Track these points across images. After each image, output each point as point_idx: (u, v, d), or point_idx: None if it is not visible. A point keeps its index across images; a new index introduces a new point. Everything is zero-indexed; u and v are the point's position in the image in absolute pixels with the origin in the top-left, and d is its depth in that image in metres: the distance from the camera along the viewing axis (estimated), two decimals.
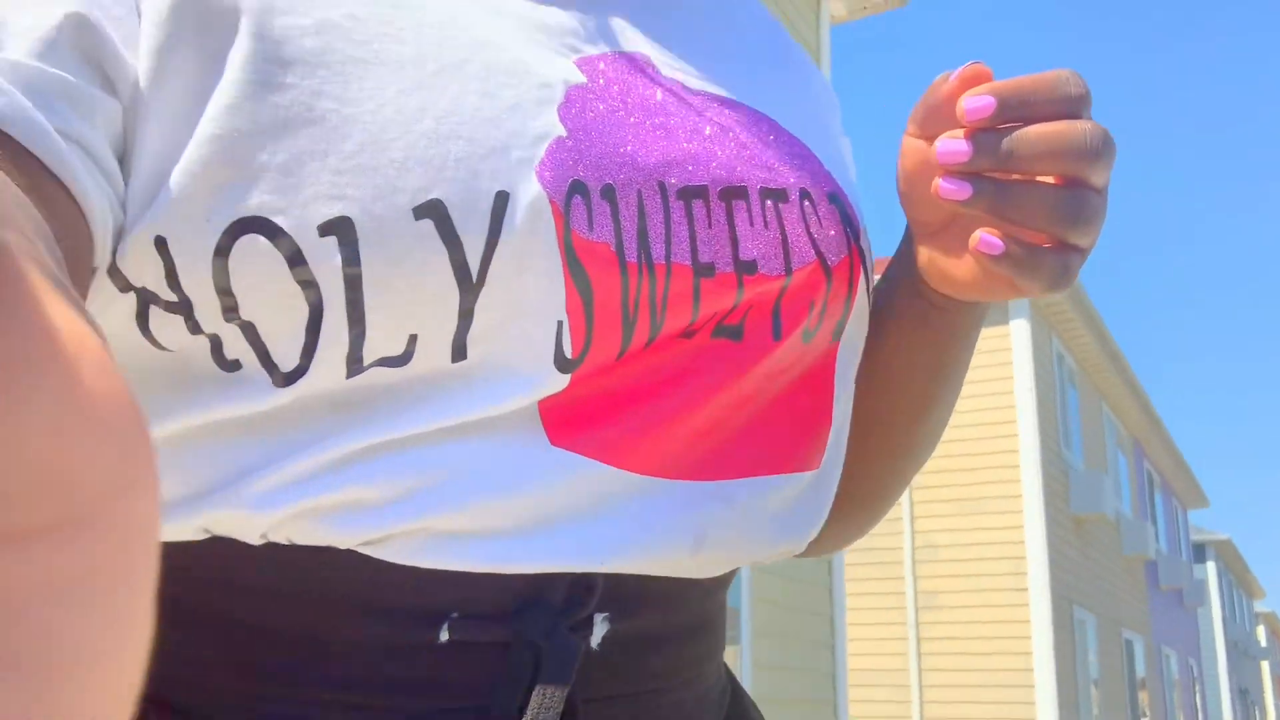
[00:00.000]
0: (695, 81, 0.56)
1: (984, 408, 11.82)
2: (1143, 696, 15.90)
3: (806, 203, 0.55)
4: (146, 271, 0.43)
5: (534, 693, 0.45)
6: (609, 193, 0.47)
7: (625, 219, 0.48)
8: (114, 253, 0.43)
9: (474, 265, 0.43)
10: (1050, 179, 0.50)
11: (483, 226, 0.43)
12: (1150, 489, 18.41)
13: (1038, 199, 0.50)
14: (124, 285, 0.44)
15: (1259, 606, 38.31)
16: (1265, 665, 38.59)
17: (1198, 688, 22.11)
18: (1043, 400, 11.99)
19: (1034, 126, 0.49)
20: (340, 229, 0.42)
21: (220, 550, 0.46)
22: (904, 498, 12.07)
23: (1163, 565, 18.32)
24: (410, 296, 0.43)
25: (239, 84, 0.42)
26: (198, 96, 0.43)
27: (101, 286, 0.44)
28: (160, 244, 0.42)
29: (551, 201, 0.45)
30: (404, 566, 0.45)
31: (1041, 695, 10.96)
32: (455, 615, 0.46)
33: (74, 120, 0.39)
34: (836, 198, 0.56)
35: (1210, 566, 26.54)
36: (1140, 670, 15.91)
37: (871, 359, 0.62)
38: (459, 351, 0.45)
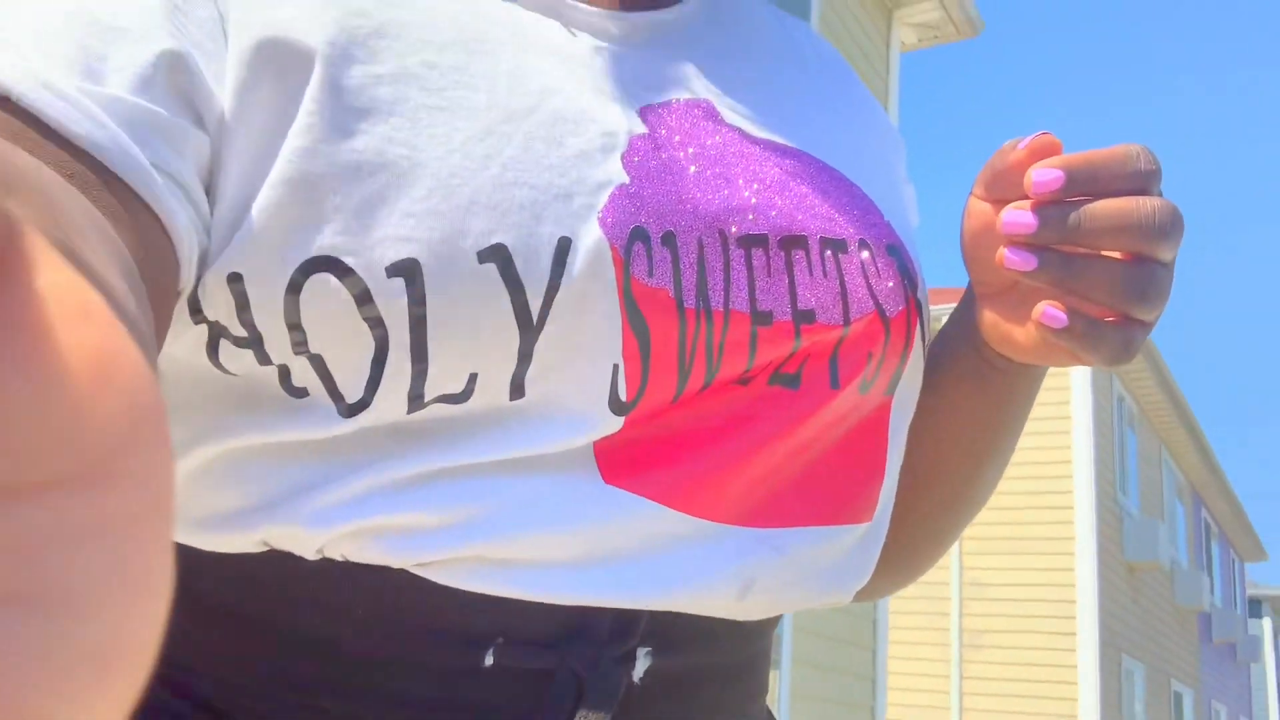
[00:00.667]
0: (758, 130, 0.55)
1: (1041, 446, 11.65)
2: None
3: (865, 253, 0.54)
4: (219, 305, 0.45)
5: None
6: (669, 239, 0.48)
7: (685, 266, 0.48)
8: (197, 280, 0.45)
9: (535, 308, 0.45)
10: (1116, 254, 0.50)
11: (545, 271, 0.45)
12: (1207, 539, 18.04)
13: (1102, 274, 0.49)
14: (199, 317, 0.46)
15: None
16: None
17: None
18: (1101, 443, 11.80)
19: (1102, 202, 0.49)
20: (407, 270, 0.43)
21: (277, 563, 0.47)
22: None
23: (1216, 618, 17.92)
24: (472, 337, 0.44)
25: (314, 129, 0.44)
26: (275, 136, 0.44)
27: (178, 315, 0.46)
28: (234, 279, 0.44)
29: (613, 247, 0.46)
30: (454, 590, 0.46)
31: None
32: (501, 641, 0.47)
33: (167, 154, 0.41)
34: (896, 250, 0.56)
35: (1266, 623, 25.95)
36: None
37: (928, 413, 0.62)
38: (517, 390, 0.46)
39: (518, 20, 0.51)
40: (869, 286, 0.54)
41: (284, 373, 0.46)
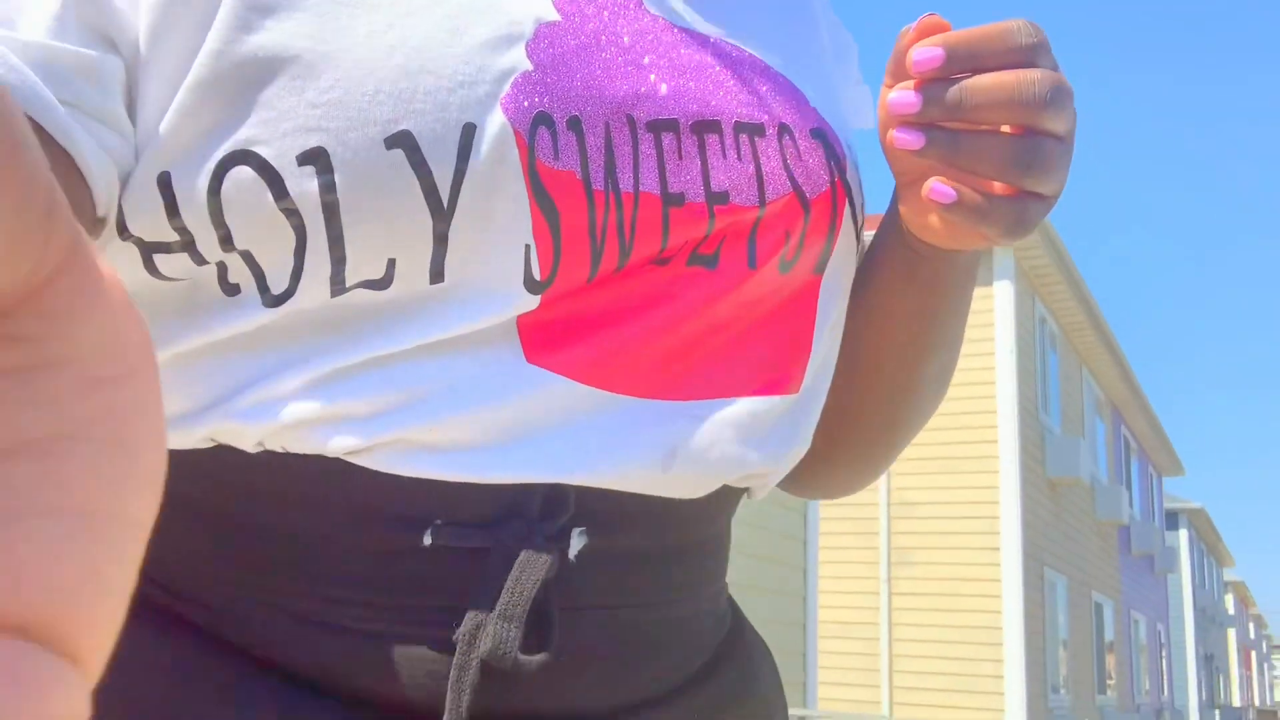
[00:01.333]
0: (686, 20, 0.57)
1: (965, 367, 11.84)
2: (1110, 659, 16.11)
3: (786, 138, 0.56)
4: (148, 213, 0.48)
5: (504, 590, 0.47)
6: (575, 124, 0.49)
7: (592, 149, 0.49)
8: (121, 202, 0.48)
9: (444, 193, 0.47)
10: (1007, 128, 0.51)
11: (450, 156, 0.47)
12: (1126, 455, 18.54)
13: (990, 147, 0.50)
14: (125, 235, 0.49)
15: (1228, 575, 38.81)
16: (1232, 633, 39.15)
17: (1164, 653, 22.43)
18: (1023, 362, 12.03)
19: (982, 76, 0.50)
20: (317, 159, 0.46)
21: (222, 457, 0.50)
22: None
23: (1135, 531, 18.49)
24: (386, 222, 0.47)
25: (222, 30, 0.46)
26: (189, 47, 0.46)
27: (109, 239, 0.49)
28: (163, 181, 0.47)
29: (516, 132, 0.48)
30: (389, 475, 0.48)
31: (1010, 654, 11.09)
32: (439, 522, 0.49)
33: (83, 88, 0.44)
34: (820, 133, 0.57)
35: (1182, 534, 26.82)
36: (1109, 633, 16.11)
37: (862, 303, 0.64)
38: (437, 275, 0.48)
39: None
40: (787, 169, 0.55)
41: (221, 270, 0.49)
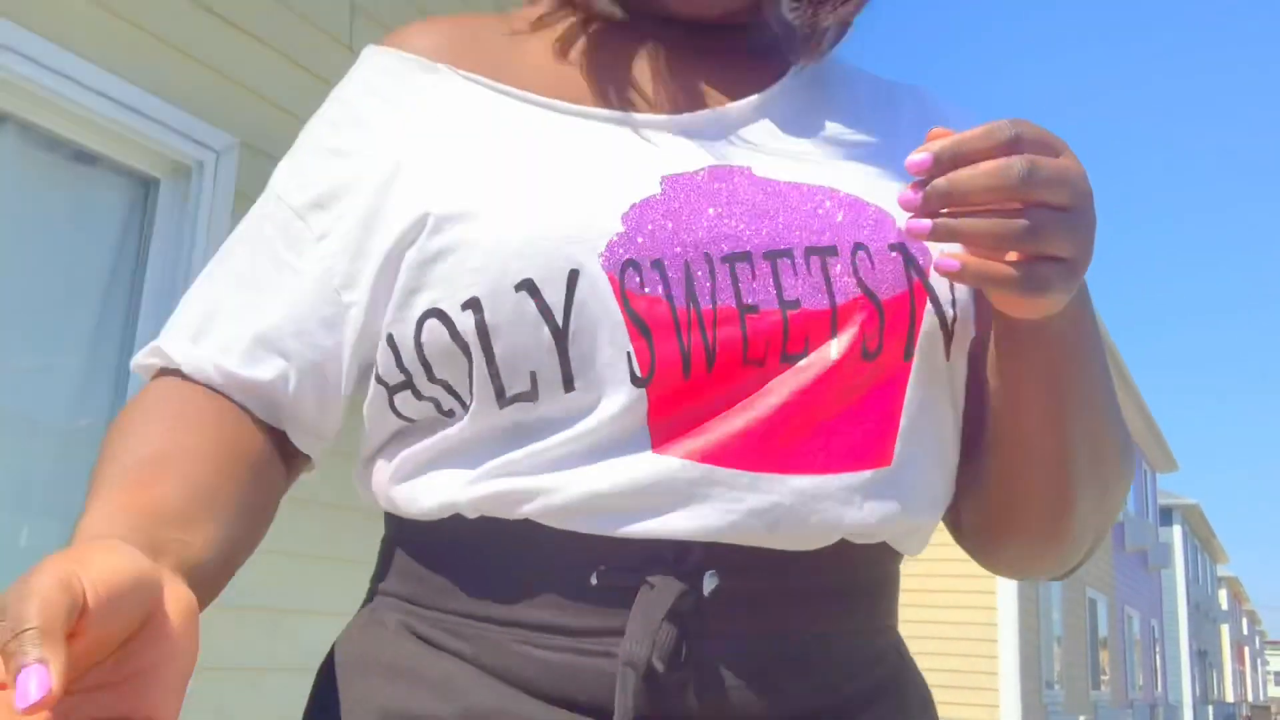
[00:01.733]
0: (780, 174, 0.70)
1: None
2: (1104, 655, 16.16)
3: (861, 253, 0.67)
4: (383, 361, 0.71)
5: (644, 615, 0.63)
6: (658, 264, 0.65)
7: (674, 280, 0.64)
8: (374, 371, 0.73)
9: (559, 319, 0.64)
10: (1015, 205, 0.59)
11: (561, 292, 0.64)
12: None
13: (983, 223, 0.59)
14: (379, 382, 0.73)
15: (1222, 571, 38.90)
16: (1225, 629, 39.25)
17: (1158, 648, 22.49)
18: None
19: (965, 168, 0.58)
20: (473, 305, 0.65)
21: (454, 522, 0.69)
22: None
23: (1129, 527, 18.55)
24: (524, 346, 0.64)
25: (421, 239, 0.68)
26: (398, 254, 0.70)
27: (367, 384, 0.75)
28: (389, 339, 0.70)
29: (608, 274, 0.64)
30: (564, 532, 0.65)
31: (1004, 650, 11.13)
32: (602, 568, 0.65)
33: (322, 338, 0.72)
34: (901, 245, 0.68)
35: (1176, 530, 26.89)
36: (1103, 629, 16.17)
37: (998, 389, 0.72)
38: (568, 384, 0.65)
39: (588, 128, 0.73)
40: (858, 276, 0.67)
41: (435, 402, 0.70)
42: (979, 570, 11.31)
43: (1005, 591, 11.23)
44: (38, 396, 2.98)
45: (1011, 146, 0.59)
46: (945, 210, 0.59)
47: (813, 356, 0.66)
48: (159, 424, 0.70)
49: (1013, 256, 0.60)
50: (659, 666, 0.61)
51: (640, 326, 0.64)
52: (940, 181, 0.59)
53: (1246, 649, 49.97)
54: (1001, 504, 0.74)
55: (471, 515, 0.68)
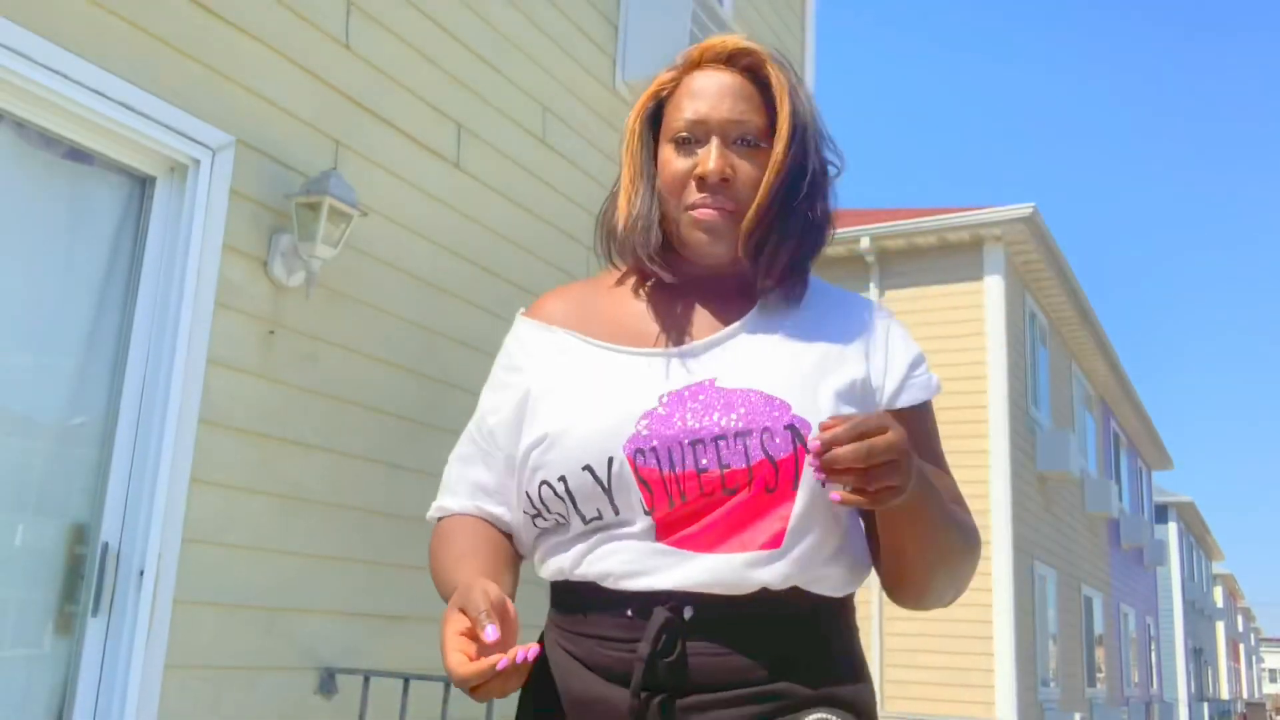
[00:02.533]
0: (731, 382, 1.23)
1: (956, 363, 11.90)
2: (1099, 652, 16.19)
3: (765, 433, 1.19)
4: (523, 506, 1.29)
5: (653, 630, 1.17)
6: (654, 450, 1.19)
7: (661, 458, 1.19)
8: (524, 513, 1.29)
9: (604, 480, 1.20)
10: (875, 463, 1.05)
11: (605, 470, 1.20)
12: (1116, 449, 18.62)
13: (853, 476, 1.04)
14: (524, 515, 1.30)
15: (1217, 568, 38.95)
16: (1220, 626, 39.32)
17: (1154, 646, 22.53)
18: (1013, 357, 12.08)
19: (839, 449, 1.03)
20: (562, 477, 1.22)
21: (563, 581, 1.27)
22: None
23: (1125, 524, 18.58)
24: (589, 497, 1.21)
25: (537, 453, 1.25)
26: (526, 452, 1.27)
27: (524, 519, 1.30)
28: (526, 495, 1.27)
29: (628, 458, 1.19)
30: (614, 588, 1.20)
31: (1000, 647, 11.15)
32: (632, 607, 1.19)
33: (510, 491, 1.33)
34: (791, 427, 1.19)
35: (1171, 527, 26.93)
36: (1098, 626, 16.19)
37: (879, 547, 1.26)
38: (613, 511, 1.20)
39: (627, 362, 1.28)
40: (764, 448, 1.18)
41: (556, 522, 1.26)
42: (977, 568, 11.35)
43: (1001, 589, 11.26)
44: (33, 394, 2.98)
45: (861, 435, 1.03)
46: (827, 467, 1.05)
47: (741, 494, 1.19)
48: (467, 535, 1.31)
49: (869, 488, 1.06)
50: (657, 660, 1.17)
51: (645, 485, 1.20)
52: (827, 457, 1.03)
53: (1241, 646, 50.05)
54: (891, 577, 1.27)
55: (574, 579, 1.25)
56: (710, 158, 1.25)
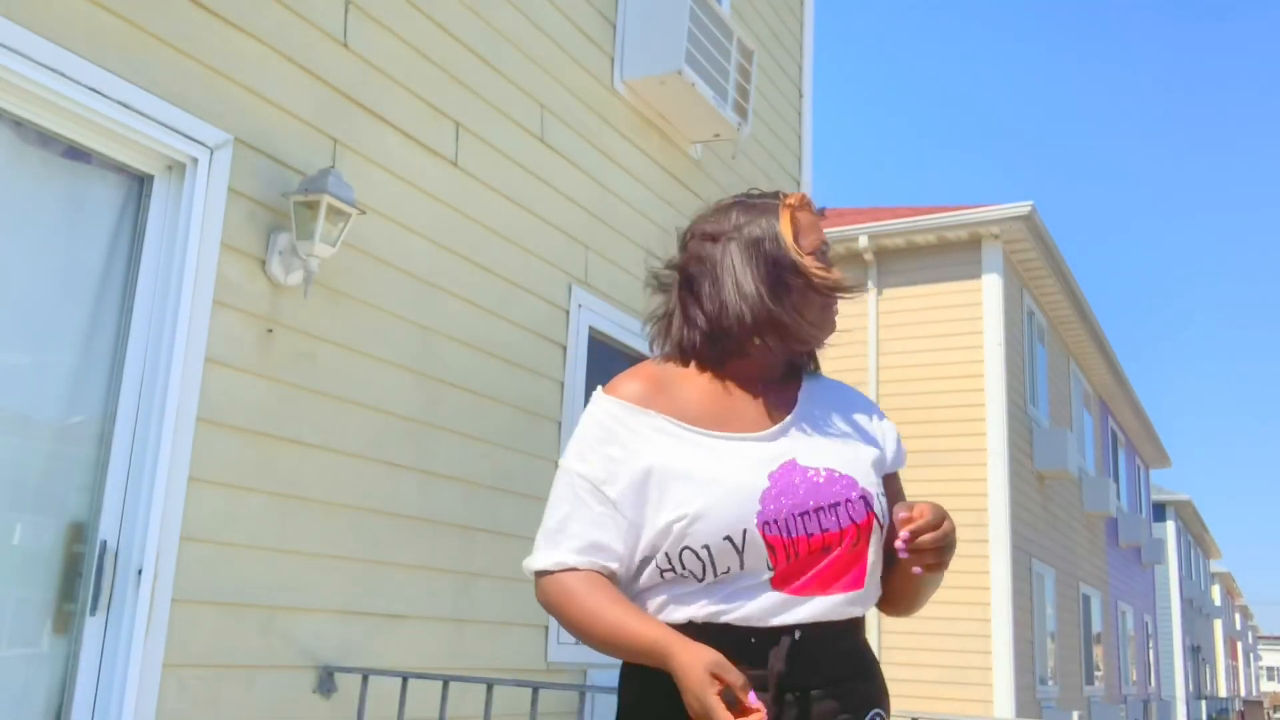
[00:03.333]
0: (809, 461, 1.64)
1: (955, 361, 11.91)
2: (1097, 650, 16.20)
3: (847, 503, 1.61)
4: (660, 561, 1.60)
5: (777, 654, 1.56)
6: (775, 521, 1.56)
7: (781, 527, 1.56)
8: (652, 562, 1.62)
9: (739, 545, 1.56)
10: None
11: (741, 538, 1.56)
12: (1114, 447, 18.63)
13: (928, 559, 1.53)
14: (656, 569, 1.62)
15: (1215, 566, 38.98)
16: (1218, 624, 39.35)
17: (1151, 644, 22.54)
18: (1011, 356, 12.09)
19: (923, 536, 1.51)
20: (705, 547, 1.56)
21: (683, 626, 1.58)
22: None
23: (1123, 523, 18.59)
24: (726, 558, 1.56)
25: (680, 526, 1.58)
26: (669, 525, 1.59)
27: (650, 572, 1.63)
28: (667, 556, 1.60)
29: (759, 529, 1.56)
30: (737, 625, 1.56)
31: (998, 645, 11.15)
32: (754, 637, 1.56)
33: (614, 539, 1.63)
34: (864, 498, 1.63)
35: (1169, 526, 26.95)
36: (1096, 625, 16.20)
37: (887, 576, 1.71)
38: (741, 567, 1.57)
39: (733, 447, 1.63)
40: (849, 514, 1.61)
41: (688, 576, 1.59)
42: (974, 568, 11.38)
43: (999, 588, 11.26)
44: (31, 393, 2.98)
45: (937, 525, 1.51)
46: (912, 547, 1.52)
47: (835, 550, 1.60)
48: (603, 589, 1.58)
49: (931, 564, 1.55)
50: (783, 672, 1.55)
51: (770, 549, 1.56)
52: (914, 545, 1.50)
53: (1239, 644, 50.10)
54: (893, 600, 1.75)
55: (709, 622, 1.56)
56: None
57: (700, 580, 1.56)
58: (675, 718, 1.49)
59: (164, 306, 3.26)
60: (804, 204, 1.74)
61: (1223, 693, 39.83)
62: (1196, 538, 31.51)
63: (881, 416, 1.80)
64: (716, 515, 1.54)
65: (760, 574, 1.55)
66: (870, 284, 12.43)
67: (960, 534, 12.00)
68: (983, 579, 11.36)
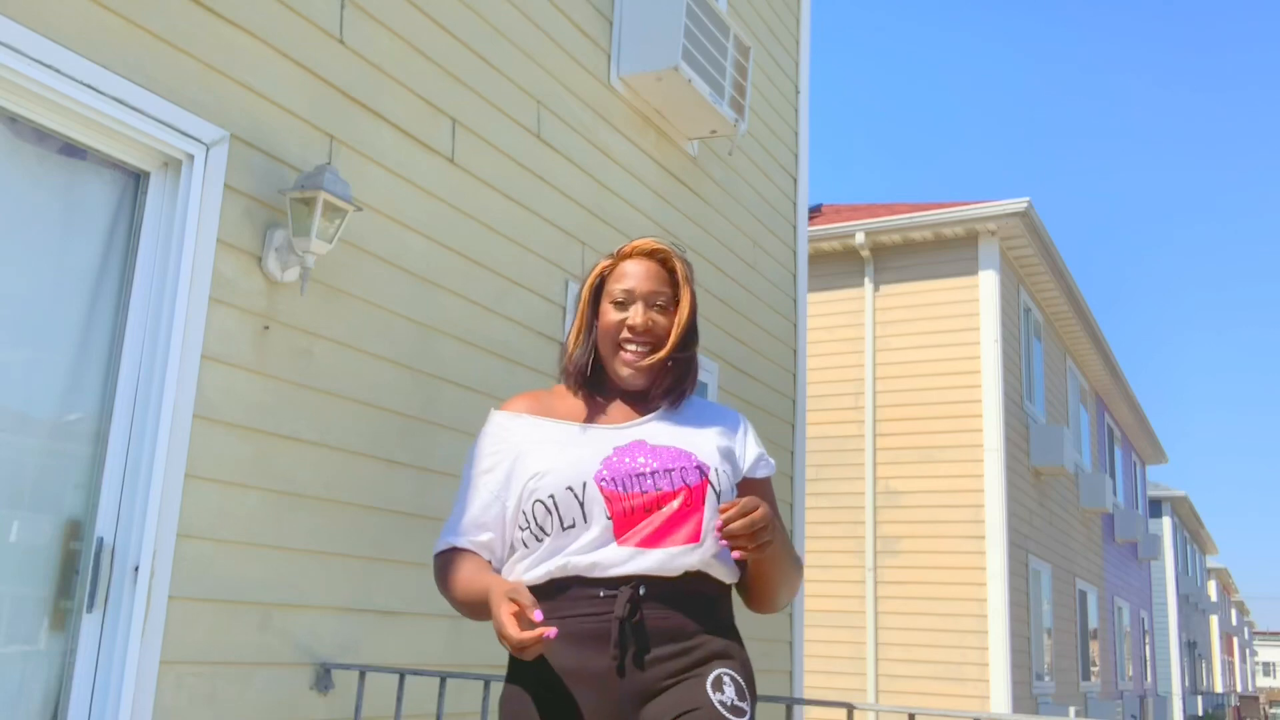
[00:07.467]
0: (657, 442, 1.94)
1: (951, 358, 11.91)
2: (1094, 646, 16.22)
3: (684, 469, 1.89)
4: (519, 522, 1.93)
5: (620, 604, 1.81)
6: (614, 479, 1.87)
7: (618, 484, 1.87)
8: (515, 526, 1.95)
9: (580, 498, 1.86)
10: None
11: (581, 490, 1.86)
12: (1110, 443, 18.65)
13: (741, 542, 1.76)
14: (517, 530, 1.94)
15: (1211, 562, 39.04)
16: (1214, 620, 39.42)
17: (1148, 640, 22.58)
18: (1008, 352, 12.09)
19: (734, 523, 1.74)
20: (547, 498, 1.88)
21: (544, 583, 1.87)
22: (866, 444, 12.18)
23: (1119, 519, 18.62)
24: (569, 509, 1.86)
25: (531, 481, 1.92)
26: (527, 486, 1.93)
27: (521, 537, 1.93)
28: (521, 513, 1.92)
29: (597, 482, 1.87)
30: (590, 578, 1.83)
31: (995, 641, 11.17)
32: (603, 590, 1.82)
33: (497, 528, 1.98)
34: (700, 467, 1.90)
35: (1165, 521, 27.00)
36: (1093, 620, 16.22)
37: (746, 575, 2.00)
38: (585, 520, 1.85)
39: (587, 432, 1.97)
40: (684, 480, 1.88)
41: (541, 535, 1.88)
42: (970, 564, 11.40)
43: (996, 584, 11.28)
44: (27, 390, 2.98)
45: (748, 513, 1.74)
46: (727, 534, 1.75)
47: (669, 509, 1.84)
48: (466, 559, 1.92)
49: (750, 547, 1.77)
50: (624, 620, 1.79)
51: (608, 500, 1.84)
52: (725, 531, 1.73)
53: (1235, 640, 50.18)
54: (752, 592, 1.99)
55: (560, 576, 1.84)
56: (638, 313, 1.99)
57: (549, 534, 1.85)
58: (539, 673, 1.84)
59: (160, 303, 3.25)
60: (634, 253, 2.06)
61: (1219, 688, 39.89)
62: (1192, 533, 31.56)
63: (748, 434, 2.07)
64: (560, 470, 1.86)
65: (601, 524, 1.82)
66: (867, 281, 12.43)
67: (957, 530, 12.08)
68: (979, 575, 11.37)
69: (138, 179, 3.32)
